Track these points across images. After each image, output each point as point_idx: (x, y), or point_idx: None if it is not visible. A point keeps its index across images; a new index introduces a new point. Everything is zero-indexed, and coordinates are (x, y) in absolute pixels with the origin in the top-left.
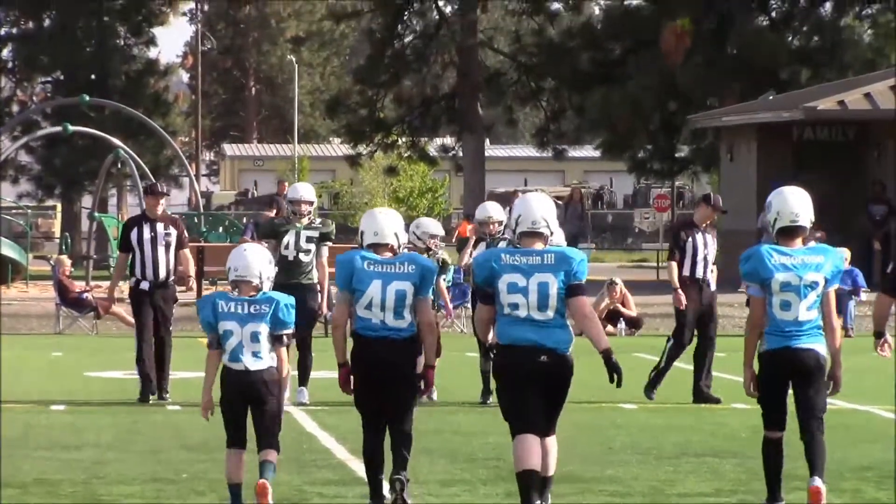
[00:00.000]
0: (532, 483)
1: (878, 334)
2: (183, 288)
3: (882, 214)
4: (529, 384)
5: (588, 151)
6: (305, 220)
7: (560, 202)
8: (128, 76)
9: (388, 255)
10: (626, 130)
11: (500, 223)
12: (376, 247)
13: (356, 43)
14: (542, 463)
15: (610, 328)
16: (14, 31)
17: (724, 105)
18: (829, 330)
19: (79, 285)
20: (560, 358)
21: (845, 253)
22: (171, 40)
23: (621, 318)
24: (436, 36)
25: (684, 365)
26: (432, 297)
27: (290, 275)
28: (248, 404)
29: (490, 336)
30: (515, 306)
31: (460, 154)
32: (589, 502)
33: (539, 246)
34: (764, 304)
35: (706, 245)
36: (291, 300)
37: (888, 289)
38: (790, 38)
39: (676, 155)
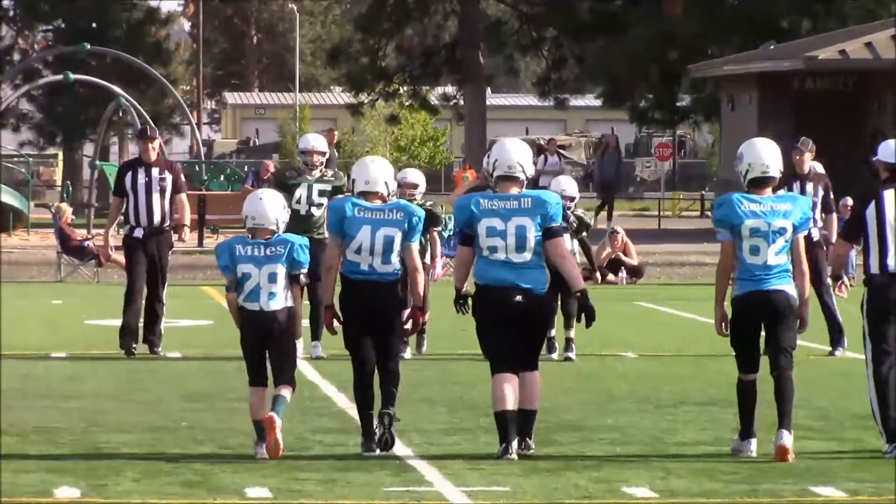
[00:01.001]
0: (509, 422)
1: (836, 277)
2: (177, 237)
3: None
4: (506, 323)
5: (589, 100)
6: (317, 173)
7: (563, 150)
8: (129, 24)
9: (378, 202)
10: (625, 84)
11: None
12: (366, 194)
13: None
14: (526, 396)
15: (611, 276)
16: None
17: (724, 55)
18: (799, 273)
19: (80, 233)
20: (536, 298)
21: (847, 201)
22: None
23: (623, 267)
24: None
25: (681, 312)
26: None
27: (301, 229)
28: (265, 343)
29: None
30: (494, 249)
31: (461, 103)
32: (589, 451)
33: (515, 190)
34: (733, 248)
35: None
36: (305, 240)
37: (847, 235)
38: None
39: (677, 104)
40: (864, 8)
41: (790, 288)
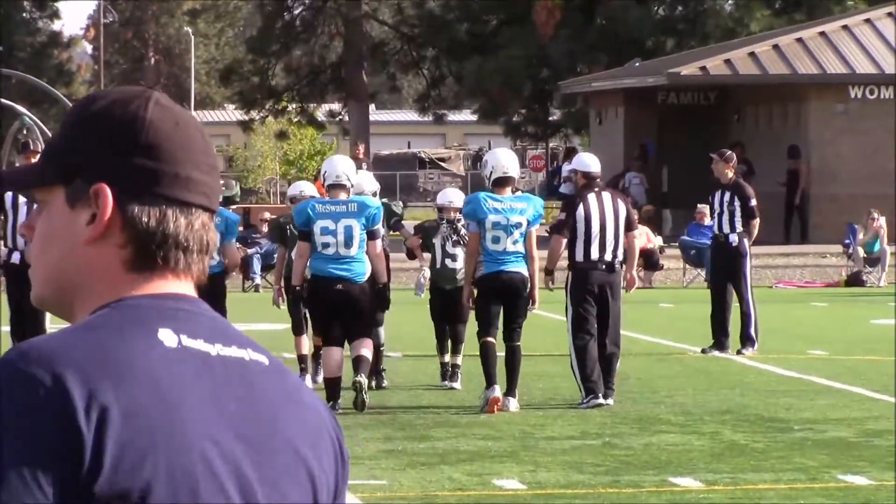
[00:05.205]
0: (336, 385)
1: (549, 271)
2: None
3: (742, 173)
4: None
5: (466, 115)
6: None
7: (442, 163)
8: (32, 48)
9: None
10: (499, 100)
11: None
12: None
13: (249, 15)
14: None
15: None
16: None
17: (592, 72)
18: (530, 258)
19: None
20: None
21: (703, 209)
22: (75, 13)
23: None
24: (323, 8)
25: (550, 314)
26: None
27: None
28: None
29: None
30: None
31: (346, 119)
32: (463, 446)
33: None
34: (479, 237)
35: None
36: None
37: (559, 230)
38: (655, 9)
39: (549, 119)
40: (725, 26)
41: (524, 270)
